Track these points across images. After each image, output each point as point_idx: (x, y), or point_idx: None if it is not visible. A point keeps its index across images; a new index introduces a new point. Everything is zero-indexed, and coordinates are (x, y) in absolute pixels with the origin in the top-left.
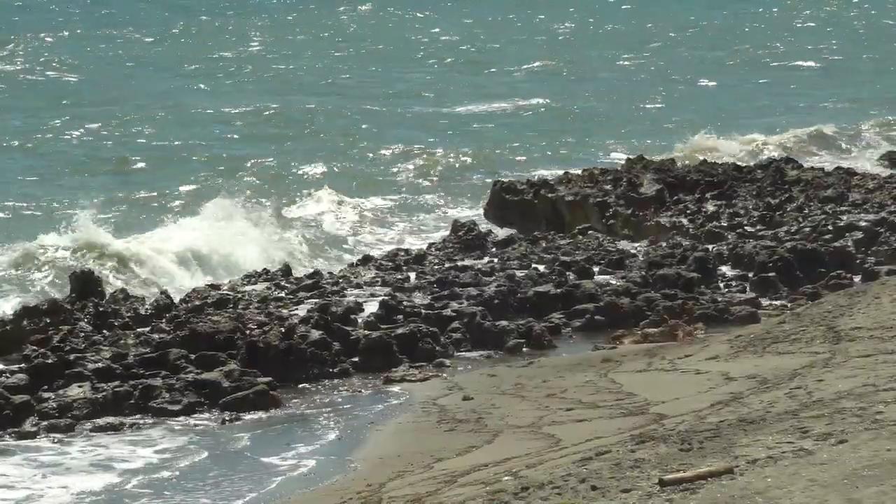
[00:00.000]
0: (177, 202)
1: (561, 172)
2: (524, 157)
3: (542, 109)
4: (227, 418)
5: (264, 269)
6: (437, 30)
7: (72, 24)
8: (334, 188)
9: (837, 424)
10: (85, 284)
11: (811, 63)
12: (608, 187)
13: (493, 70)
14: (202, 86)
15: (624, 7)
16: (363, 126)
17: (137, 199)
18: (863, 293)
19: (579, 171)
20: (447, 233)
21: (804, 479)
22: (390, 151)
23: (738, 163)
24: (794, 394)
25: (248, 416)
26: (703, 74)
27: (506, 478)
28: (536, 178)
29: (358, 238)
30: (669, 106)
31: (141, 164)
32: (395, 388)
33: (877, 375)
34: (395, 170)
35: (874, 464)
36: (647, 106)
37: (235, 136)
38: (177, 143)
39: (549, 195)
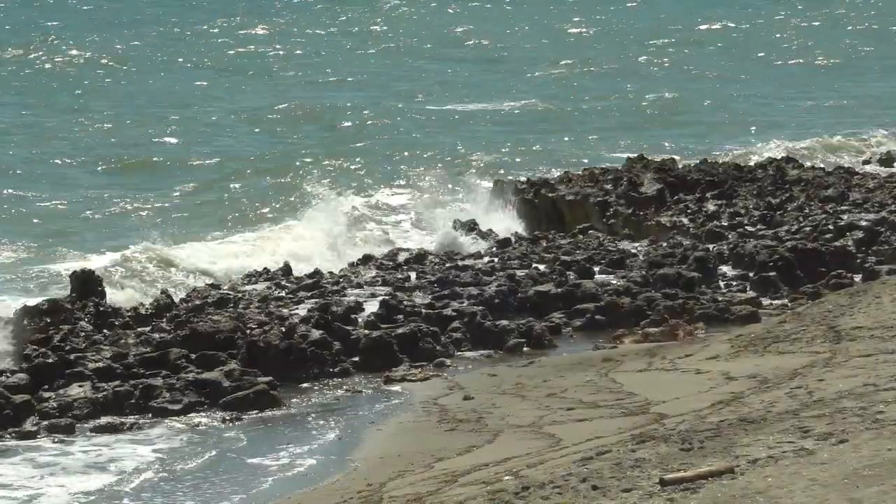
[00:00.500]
0: (220, 204)
1: (562, 171)
2: (526, 156)
3: (543, 108)
4: (227, 418)
5: (265, 268)
6: (451, 27)
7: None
8: (337, 186)
9: (838, 424)
10: (85, 284)
11: (824, 62)
12: (609, 187)
13: (502, 68)
14: (226, 84)
15: (629, 4)
16: (368, 123)
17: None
18: (863, 293)
19: (580, 171)
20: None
21: (805, 478)
22: (394, 149)
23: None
24: (795, 393)
25: (248, 416)
26: (717, 75)
27: (506, 477)
28: (537, 177)
29: (359, 236)
30: (681, 107)
31: (158, 161)
32: (396, 388)
33: (877, 375)
34: (397, 168)
35: (875, 463)
36: (657, 105)
37: (246, 134)
38: (193, 143)
39: (550, 194)
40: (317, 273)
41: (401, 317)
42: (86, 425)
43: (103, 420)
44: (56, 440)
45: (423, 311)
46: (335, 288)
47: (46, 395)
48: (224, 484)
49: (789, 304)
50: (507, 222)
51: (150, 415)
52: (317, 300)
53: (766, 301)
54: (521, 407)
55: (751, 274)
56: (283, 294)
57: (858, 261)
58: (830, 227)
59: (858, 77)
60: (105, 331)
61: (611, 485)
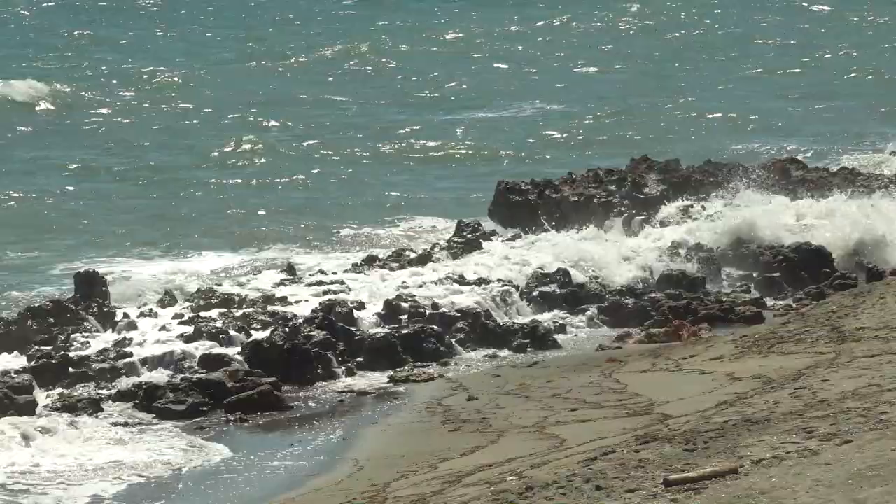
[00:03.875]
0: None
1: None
2: (530, 157)
3: (553, 109)
4: (231, 418)
5: (269, 267)
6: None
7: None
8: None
9: (842, 425)
10: (90, 285)
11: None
12: (612, 188)
13: (513, 70)
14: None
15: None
16: (366, 122)
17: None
18: (867, 293)
19: (584, 172)
20: (451, 233)
21: (809, 479)
22: (395, 150)
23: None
24: (799, 394)
25: (252, 417)
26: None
27: (510, 478)
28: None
29: (360, 236)
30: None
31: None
32: (400, 388)
33: (881, 376)
34: (398, 168)
35: (879, 464)
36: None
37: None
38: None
39: (554, 195)
40: (320, 273)
41: (405, 317)
42: (89, 425)
43: (107, 420)
44: (59, 440)
45: (428, 311)
46: (339, 288)
47: (50, 395)
48: (227, 484)
49: (793, 305)
50: None
51: (154, 415)
52: (321, 300)
53: (770, 302)
54: (524, 407)
55: (755, 274)
56: (286, 294)
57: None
58: None
59: None
60: (109, 331)
61: (615, 485)
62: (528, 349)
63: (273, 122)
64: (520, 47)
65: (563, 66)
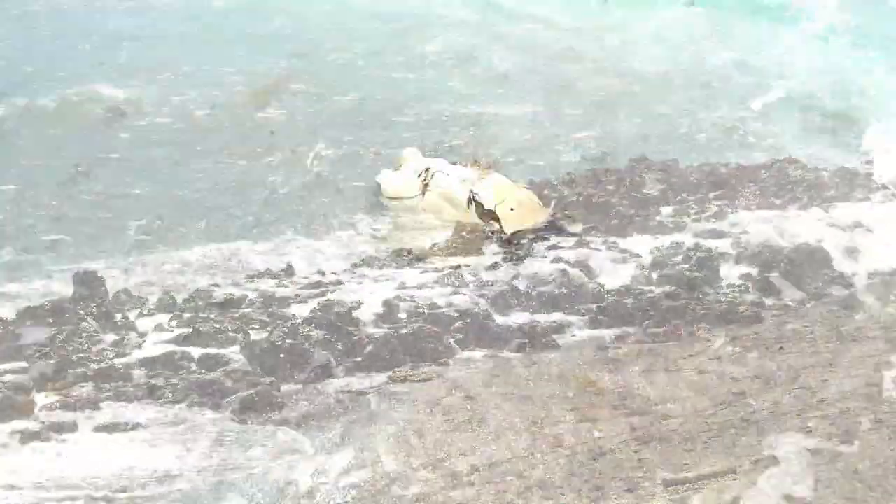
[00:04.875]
0: None
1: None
2: (528, 156)
3: (552, 109)
4: (230, 419)
5: (267, 268)
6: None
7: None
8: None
9: (841, 424)
10: (89, 285)
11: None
12: (611, 188)
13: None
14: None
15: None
16: (368, 121)
17: None
18: (867, 293)
19: (583, 172)
20: (450, 232)
21: (808, 478)
22: (392, 149)
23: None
24: (798, 394)
25: (251, 417)
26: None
27: (509, 478)
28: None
29: (361, 236)
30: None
31: None
32: (399, 388)
33: (881, 376)
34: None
35: (878, 463)
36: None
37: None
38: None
39: (553, 195)
40: (319, 273)
41: (404, 317)
42: (88, 426)
43: (106, 420)
44: (58, 441)
45: (427, 311)
46: (338, 288)
47: (50, 395)
48: (226, 485)
49: (793, 305)
50: None
51: (153, 416)
52: (319, 300)
53: (769, 301)
54: (524, 407)
55: (754, 274)
56: (285, 294)
57: None
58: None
59: None
60: (108, 331)
61: (614, 485)
62: (528, 349)
63: (282, 111)
64: (523, 46)
65: (563, 66)
